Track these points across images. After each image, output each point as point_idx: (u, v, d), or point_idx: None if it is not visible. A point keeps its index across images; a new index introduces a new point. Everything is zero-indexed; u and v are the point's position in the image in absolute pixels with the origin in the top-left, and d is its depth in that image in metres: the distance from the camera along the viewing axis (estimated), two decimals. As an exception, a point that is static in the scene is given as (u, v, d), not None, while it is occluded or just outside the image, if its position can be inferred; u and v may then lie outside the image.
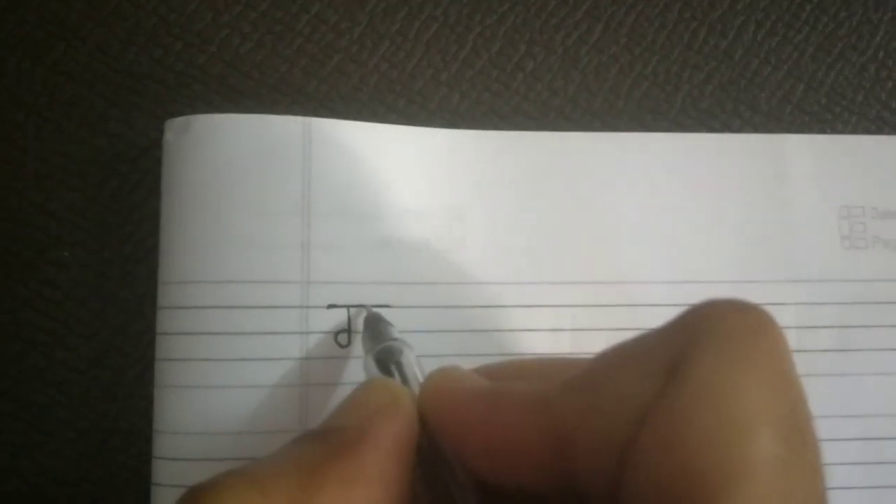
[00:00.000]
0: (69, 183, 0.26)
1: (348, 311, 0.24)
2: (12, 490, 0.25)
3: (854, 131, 0.29)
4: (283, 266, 0.24)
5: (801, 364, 0.25)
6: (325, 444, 0.15)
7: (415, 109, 0.27)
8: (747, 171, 0.27)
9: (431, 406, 0.17)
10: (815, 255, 0.27)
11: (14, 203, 0.26)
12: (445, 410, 0.17)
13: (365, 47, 0.28)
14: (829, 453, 0.26)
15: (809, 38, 0.29)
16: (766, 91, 0.29)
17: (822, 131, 0.29)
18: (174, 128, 0.25)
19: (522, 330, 0.25)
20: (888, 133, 0.29)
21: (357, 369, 0.24)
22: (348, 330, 0.24)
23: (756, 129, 0.28)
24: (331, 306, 0.24)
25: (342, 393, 0.24)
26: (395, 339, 0.21)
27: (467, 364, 0.19)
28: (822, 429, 0.25)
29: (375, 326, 0.23)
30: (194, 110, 0.27)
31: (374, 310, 0.24)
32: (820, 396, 0.26)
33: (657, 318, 0.15)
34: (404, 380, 0.19)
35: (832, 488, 0.25)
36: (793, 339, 0.26)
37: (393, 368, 0.19)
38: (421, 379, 0.19)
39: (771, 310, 0.26)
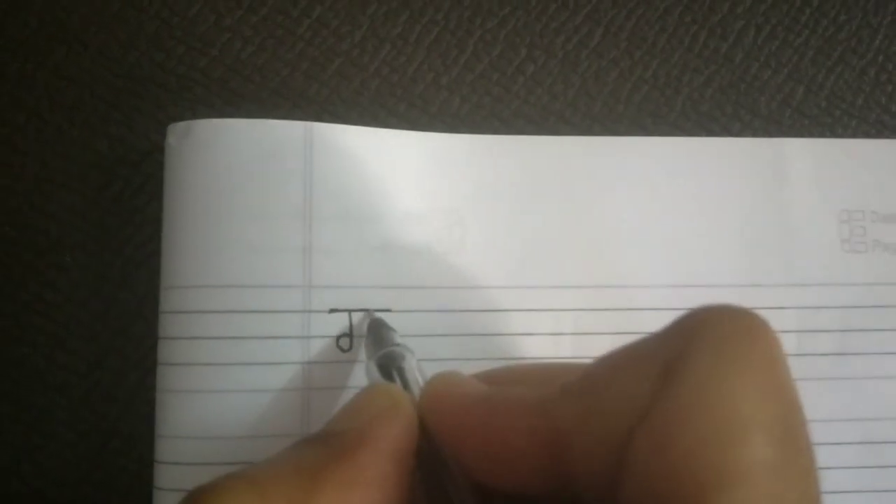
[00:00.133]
0: (70, 186, 0.26)
1: (350, 316, 0.24)
2: (13, 492, 0.25)
3: (854, 135, 0.29)
4: (285, 270, 0.24)
5: (802, 367, 0.26)
6: (325, 447, 0.16)
7: (416, 113, 0.27)
8: (747, 175, 0.27)
9: (431, 410, 0.17)
10: (816, 258, 0.27)
11: (15, 206, 0.26)
12: (444, 414, 0.17)
13: (366, 51, 0.28)
14: (830, 457, 0.26)
15: (809, 41, 0.29)
16: (766, 94, 0.29)
17: (822, 135, 0.29)
18: (176, 132, 0.25)
19: (523, 334, 0.25)
20: (888, 136, 0.29)
21: (359, 373, 0.24)
22: (350, 334, 0.24)
23: (756, 132, 0.29)
24: (332, 310, 0.24)
25: (344, 397, 0.24)
26: (398, 345, 0.21)
27: (468, 368, 0.19)
28: (823, 432, 0.26)
29: (378, 332, 0.23)
30: (195, 114, 0.27)
31: (378, 315, 0.24)
32: (820, 400, 0.26)
33: (658, 322, 0.15)
34: (405, 385, 0.19)
35: (833, 492, 0.26)
36: (793, 343, 0.26)
37: (394, 374, 0.19)
38: (422, 384, 0.19)
39: (771, 314, 0.26)
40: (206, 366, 0.23)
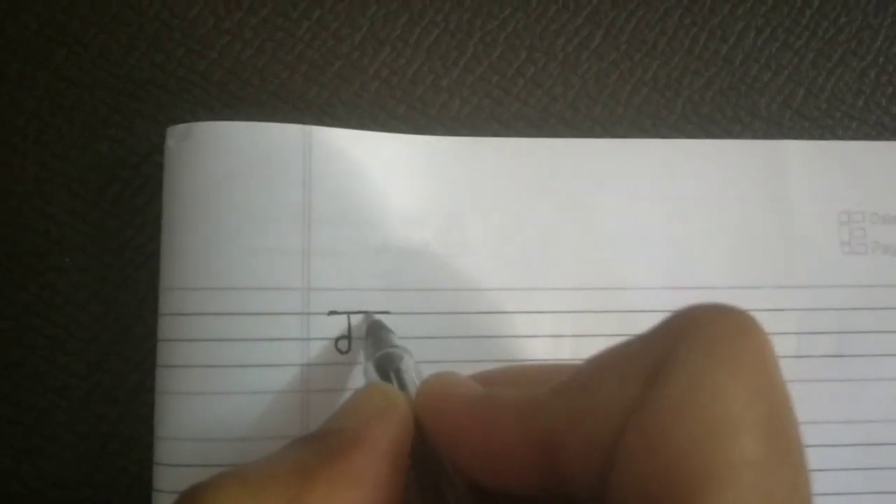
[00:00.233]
0: (70, 188, 0.26)
1: (349, 318, 0.24)
2: (13, 493, 0.25)
3: (854, 137, 0.29)
4: (284, 272, 0.24)
5: (801, 369, 0.26)
6: (319, 446, 0.16)
7: (415, 115, 0.27)
8: (747, 177, 0.27)
9: (426, 410, 0.17)
10: (815, 260, 0.27)
11: (15, 208, 0.26)
12: (439, 414, 0.17)
13: (366, 53, 0.28)
14: (829, 458, 0.26)
15: (809, 43, 0.29)
16: (767, 96, 0.29)
17: (823, 137, 0.29)
18: (175, 134, 0.25)
19: (522, 336, 0.25)
20: (888, 138, 0.29)
21: (358, 375, 0.24)
22: (349, 336, 0.24)
23: (756, 134, 0.28)
24: (331, 313, 0.24)
25: (343, 398, 0.24)
26: (396, 347, 0.21)
27: (467, 370, 0.19)
28: (822, 434, 0.26)
29: (377, 333, 0.23)
30: (195, 116, 0.27)
31: (376, 317, 0.24)
32: (820, 401, 0.26)
33: (657, 324, 0.15)
34: (402, 386, 0.19)
35: (832, 493, 0.26)
36: (793, 345, 0.26)
37: (391, 375, 0.20)
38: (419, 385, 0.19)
39: (771, 315, 0.26)
40: (205, 368, 0.23)
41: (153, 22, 0.27)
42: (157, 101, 0.27)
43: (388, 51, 0.28)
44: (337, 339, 0.24)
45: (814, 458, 0.25)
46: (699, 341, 0.14)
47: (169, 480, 0.23)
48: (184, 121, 0.26)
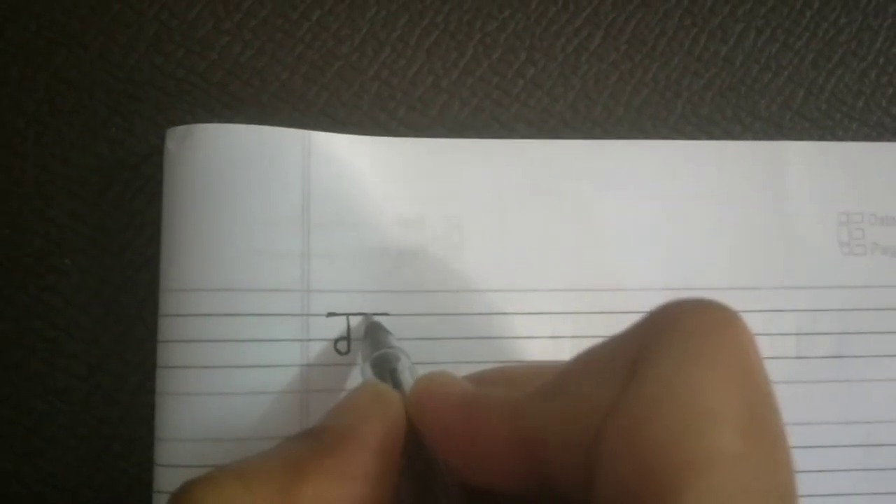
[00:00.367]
0: (70, 189, 0.26)
1: (348, 319, 0.24)
2: (13, 495, 0.25)
3: (855, 137, 0.29)
4: (284, 274, 0.24)
5: (801, 370, 0.26)
6: (312, 442, 0.16)
7: (415, 117, 0.27)
8: (747, 178, 0.27)
9: (417, 409, 0.17)
10: (815, 261, 0.27)
11: (15, 209, 0.26)
12: (430, 413, 0.17)
13: (365, 54, 0.28)
14: (829, 459, 0.26)
15: (810, 44, 0.29)
16: (767, 97, 0.29)
17: (823, 137, 0.29)
18: (175, 137, 0.25)
19: (522, 337, 0.25)
20: (889, 139, 0.29)
21: (356, 376, 0.24)
22: (347, 337, 0.24)
23: (756, 135, 0.28)
24: (330, 314, 0.24)
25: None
26: (392, 347, 0.21)
27: (466, 371, 0.19)
28: (822, 435, 0.26)
29: (375, 335, 0.23)
30: (195, 117, 0.27)
31: (375, 318, 0.24)
32: (819, 402, 0.26)
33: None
34: (397, 386, 0.19)
35: (832, 494, 0.26)
36: (792, 346, 0.26)
37: (387, 376, 0.20)
38: None
39: (770, 316, 0.26)
40: (205, 368, 0.23)
41: (153, 23, 0.27)
42: (157, 102, 0.27)
43: (387, 52, 0.28)
44: (336, 341, 0.24)
45: (813, 459, 0.26)
46: (676, 336, 0.14)
47: (169, 481, 0.23)
48: (183, 122, 0.26)
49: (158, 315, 0.24)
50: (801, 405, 0.26)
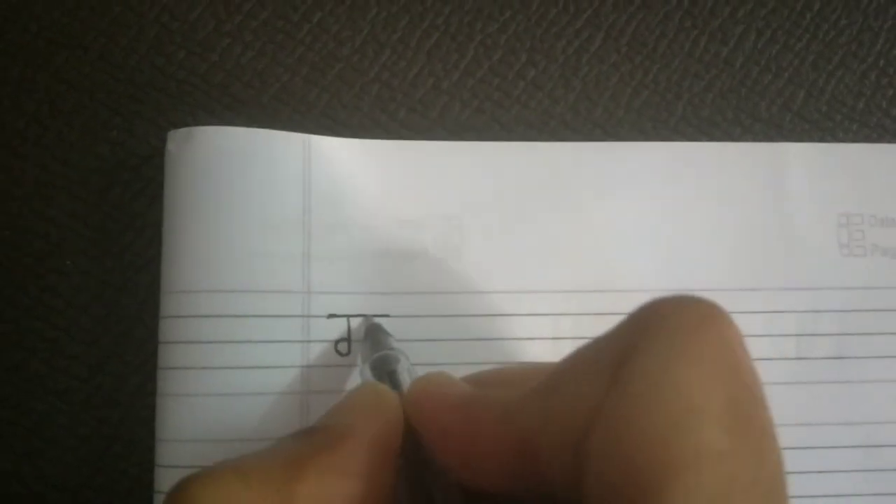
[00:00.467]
0: (70, 191, 0.26)
1: (348, 321, 0.25)
2: (14, 496, 0.25)
3: (855, 139, 0.29)
4: (285, 276, 0.24)
5: (801, 371, 0.26)
6: (310, 440, 0.16)
7: (416, 118, 0.27)
8: (747, 179, 0.27)
9: (414, 410, 0.17)
10: (814, 262, 0.27)
11: (15, 210, 0.26)
12: (426, 414, 0.17)
13: (366, 56, 0.28)
14: (830, 460, 0.26)
15: (810, 46, 0.29)
16: (767, 99, 0.29)
17: (823, 139, 0.29)
18: (176, 139, 0.25)
19: (522, 338, 0.25)
20: (889, 140, 0.29)
21: (357, 377, 0.24)
22: (348, 339, 0.24)
23: (757, 137, 0.28)
24: (331, 315, 0.25)
25: (341, 400, 0.24)
26: (392, 349, 0.21)
27: (466, 373, 0.19)
28: (822, 436, 0.26)
29: (375, 336, 0.23)
30: (196, 119, 0.27)
31: (375, 320, 0.24)
32: (820, 404, 0.26)
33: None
34: (396, 387, 0.19)
35: (833, 495, 0.26)
36: (792, 347, 0.26)
37: (386, 377, 0.20)
38: None
39: (770, 318, 0.26)
40: (206, 370, 0.24)
41: (153, 25, 0.27)
42: (158, 103, 0.27)
43: (388, 54, 0.28)
44: (337, 342, 0.24)
45: (814, 460, 0.26)
46: (661, 333, 0.14)
47: (170, 482, 0.23)
48: (184, 123, 0.26)
49: (159, 316, 0.24)
50: (801, 406, 0.26)
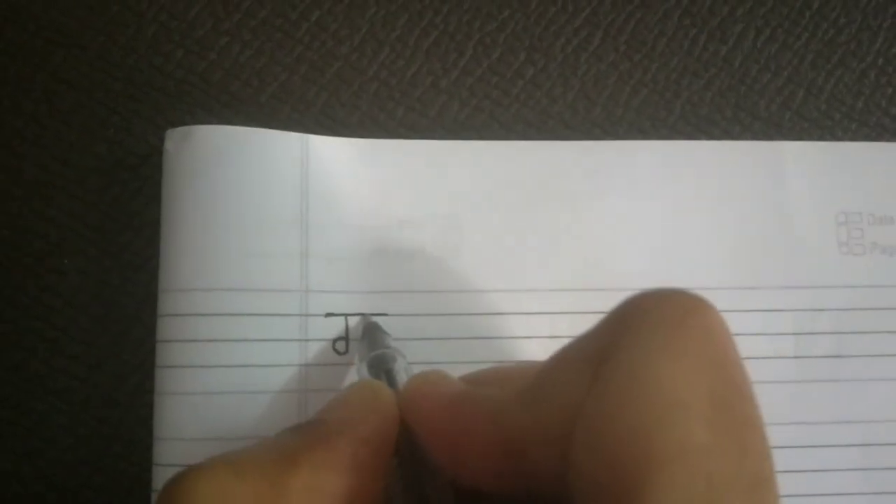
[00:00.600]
0: (69, 190, 0.26)
1: (346, 320, 0.25)
2: (13, 496, 0.25)
3: (854, 138, 0.29)
4: (283, 274, 0.24)
5: (800, 370, 0.26)
6: (305, 434, 0.16)
7: (414, 117, 0.27)
8: (746, 178, 0.27)
9: (408, 408, 0.17)
10: (813, 261, 0.27)
11: (14, 210, 0.26)
12: (419, 413, 0.17)
13: (365, 55, 0.28)
14: (829, 459, 0.26)
15: (809, 44, 0.29)
16: (766, 98, 0.29)
17: (822, 138, 0.29)
18: (174, 138, 0.25)
19: (520, 337, 0.25)
20: (888, 139, 0.29)
21: (354, 375, 0.24)
22: (346, 338, 0.24)
23: (756, 135, 0.28)
24: (329, 315, 0.25)
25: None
26: (389, 348, 0.22)
27: (464, 372, 0.19)
28: (822, 435, 0.26)
29: (372, 335, 0.23)
30: (194, 118, 0.27)
31: (372, 319, 0.24)
32: (819, 402, 0.26)
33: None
34: (393, 386, 0.19)
35: (832, 494, 0.26)
36: (791, 346, 0.26)
37: (383, 375, 0.20)
38: None
39: (769, 316, 0.26)
40: (203, 368, 0.24)
41: (151, 24, 0.27)
42: (156, 102, 0.27)
43: (387, 52, 0.28)
44: (334, 341, 0.24)
45: (812, 459, 0.26)
46: (643, 327, 0.14)
47: (168, 481, 0.23)
48: (182, 122, 0.26)
49: (157, 315, 0.24)
50: (799, 405, 0.26)
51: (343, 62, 0.28)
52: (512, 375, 0.18)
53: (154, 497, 0.24)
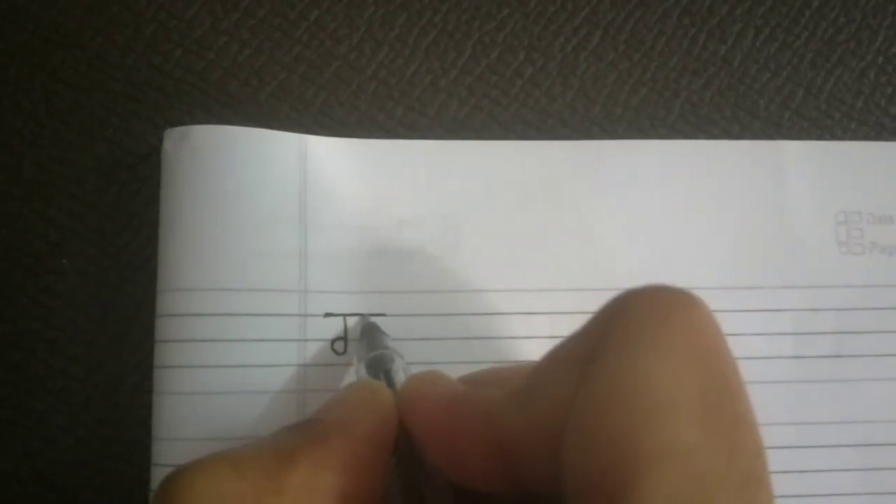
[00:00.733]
0: (68, 190, 0.26)
1: (345, 320, 0.25)
2: (12, 496, 0.25)
3: (854, 137, 0.29)
4: (281, 274, 0.24)
5: (800, 370, 0.26)
6: (303, 432, 0.16)
7: (413, 116, 0.27)
8: (745, 177, 0.27)
9: (406, 408, 0.17)
10: (813, 260, 0.27)
11: (13, 210, 0.26)
12: (416, 413, 0.17)
13: (363, 54, 0.28)
14: (828, 459, 0.26)
15: (808, 43, 0.29)
16: (766, 97, 0.29)
17: (822, 137, 0.29)
18: (173, 138, 0.25)
19: (519, 337, 0.25)
20: (888, 139, 0.29)
21: (353, 376, 0.24)
22: (344, 338, 0.24)
23: (755, 135, 0.28)
24: (327, 315, 0.25)
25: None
26: (388, 349, 0.22)
27: (463, 372, 0.19)
28: (821, 435, 0.26)
29: (371, 335, 0.23)
30: (193, 117, 0.27)
31: (371, 319, 0.24)
32: (818, 402, 0.26)
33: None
34: (391, 387, 0.19)
35: (831, 494, 0.26)
36: (790, 346, 0.26)
37: (381, 376, 0.20)
38: None
39: (768, 316, 0.26)
40: (202, 368, 0.24)
41: (150, 23, 0.27)
42: (155, 102, 0.27)
43: (385, 51, 0.28)
44: (333, 341, 0.24)
45: (812, 459, 0.26)
46: (630, 325, 0.14)
47: (167, 482, 0.23)
48: (181, 122, 0.26)
49: (156, 315, 0.24)
50: (798, 405, 0.26)
51: (342, 61, 0.28)
52: (510, 376, 0.18)
53: (152, 497, 0.24)
